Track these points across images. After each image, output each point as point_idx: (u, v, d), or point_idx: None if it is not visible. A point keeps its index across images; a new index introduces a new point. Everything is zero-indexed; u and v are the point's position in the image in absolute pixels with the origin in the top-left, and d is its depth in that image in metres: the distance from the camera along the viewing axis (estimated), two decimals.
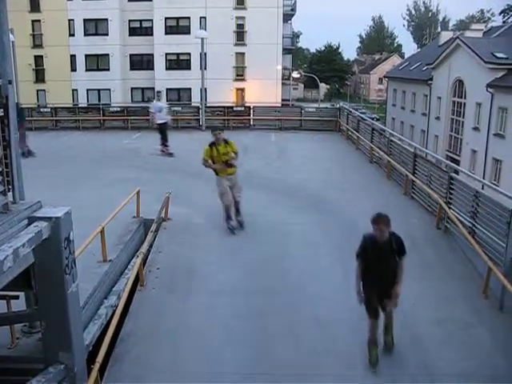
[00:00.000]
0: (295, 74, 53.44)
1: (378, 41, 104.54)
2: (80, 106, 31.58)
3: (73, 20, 37.59)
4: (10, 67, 4.27)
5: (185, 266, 7.78)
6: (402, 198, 11.43)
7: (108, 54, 38.23)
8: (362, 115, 20.00)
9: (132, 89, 39.50)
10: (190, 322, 6.25)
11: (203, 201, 10.88)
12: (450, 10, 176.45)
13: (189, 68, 37.48)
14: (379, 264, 5.36)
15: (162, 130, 16.10)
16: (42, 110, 23.97)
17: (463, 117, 31.10)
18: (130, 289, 6.35)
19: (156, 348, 5.69)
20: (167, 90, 38.13)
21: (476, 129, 29.03)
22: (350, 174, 13.91)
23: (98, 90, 38.46)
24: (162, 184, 11.44)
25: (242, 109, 23.12)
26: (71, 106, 30.04)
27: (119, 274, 7.60)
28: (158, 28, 37.58)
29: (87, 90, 38.39)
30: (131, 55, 39.07)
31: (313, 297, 6.85)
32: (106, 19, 37.62)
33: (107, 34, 38.00)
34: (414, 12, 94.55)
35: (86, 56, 38.37)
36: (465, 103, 30.82)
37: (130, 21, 38.51)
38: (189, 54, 36.98)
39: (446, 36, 40.52)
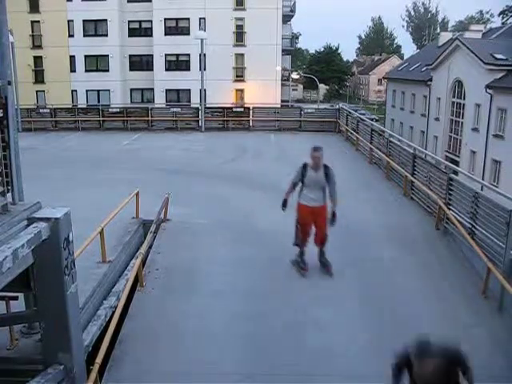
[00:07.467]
0: (294, 75, 53.48)
1: (377, 42, 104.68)
2: (79, 106, 31.59)
3: (72, 21, 37.56)
4: (9, 68, 4.27)
5: (184, 267, 7.78)
6: (401, 199, 11.44)
7: (107, 55, 38.21)
8: (362, 116, 20.00)
9: (131, 90, 39.50)
10: (190, 323, 6.24)
11: (202, 201, 10.91)
12: (449, 10, 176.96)
13: (188, 69, 37.48)
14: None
15: None
16: (41, 110, 23.98)
17: (462, 118, 31.11)
18: (130, 290, 6.35)
19: (155, 349, 5.68)
20: (166, 90, 38.14)
21: (475, 130, 29.05)
22: (349, 174, 13.88)
23: (98, 91, 38.45)
24: (161, 185, 11.45)
25: (242, 110, 23.11)
26: (70, 106, 30.04)
27: (118, 275, 7.60)
28: (158, 29, 37.57)
29: (86, 91, 38.37)
30: (130, 56, 39.06)
31: (313, 297, 6.85)
32: (106, 20, 37.61)
33: (106, 35, 37.99)
34: (413, 13, 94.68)
35: (86, 57, 38.36)
36: (464, 104, 30.85)
37: (129, 22, 38.51)
38: (188, 54, 36.97)
39: (445, 37, 40.56)
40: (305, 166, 7.12)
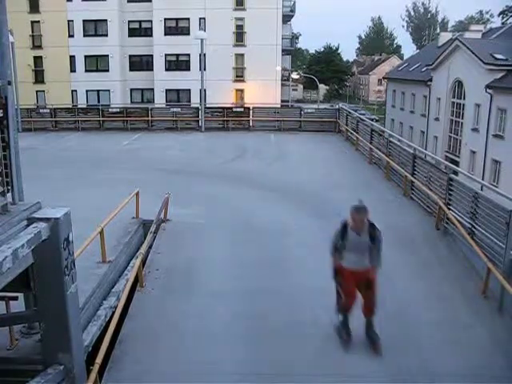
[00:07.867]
0: (294, 75, 53.47)
1: (377, 42, 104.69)
2: (79, 106, 31.59)
3: (72, 21, 37.55)
4: (9, 68, 4.27)
5: (184, 267, 7.78)
6: (401, 199, 11.44)
7: (107, 55, 38.20)
8: (361, 116, 19.99)
9: (131, 90, 39.50)
10: (190, 323, 6.24)
11: (202, 201, 10.91)
12: (449, 10, 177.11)
13: (188, 69, 37.48)
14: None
15: None
16: (41, 110, 23.99)
17: (462, 118, 31.10)
18: (130, 290, 6.35)
19: (155, 349, 5.68)
20: (166, 90, 38.13)
21: (475, 130, 29.05)
22: (349, 174, 13.91)
23: (98, 91, 38.43)
24: (161, 185, 11.44)
25: (242, 110, 23.10)
26: (70, 106, 30.05)
27: (118, 275, 7.60)
28: (158, 29, 37.56)
29: (86, 91, 38.37)
30: (130, 56, 39.05)
31: (313, 297, 6.84)
32: (106, 20, 37.60)
33: (106, 35, 37.98)
34: (413, 13, 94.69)
35: (86, 57, 38.34)
36: (464, 104, 30.84)
37: (129, 22, 38.50)
38: (188, 54, 36.96)
39: (445, 37, 40.55)
40: (345, 227, 5.76)
